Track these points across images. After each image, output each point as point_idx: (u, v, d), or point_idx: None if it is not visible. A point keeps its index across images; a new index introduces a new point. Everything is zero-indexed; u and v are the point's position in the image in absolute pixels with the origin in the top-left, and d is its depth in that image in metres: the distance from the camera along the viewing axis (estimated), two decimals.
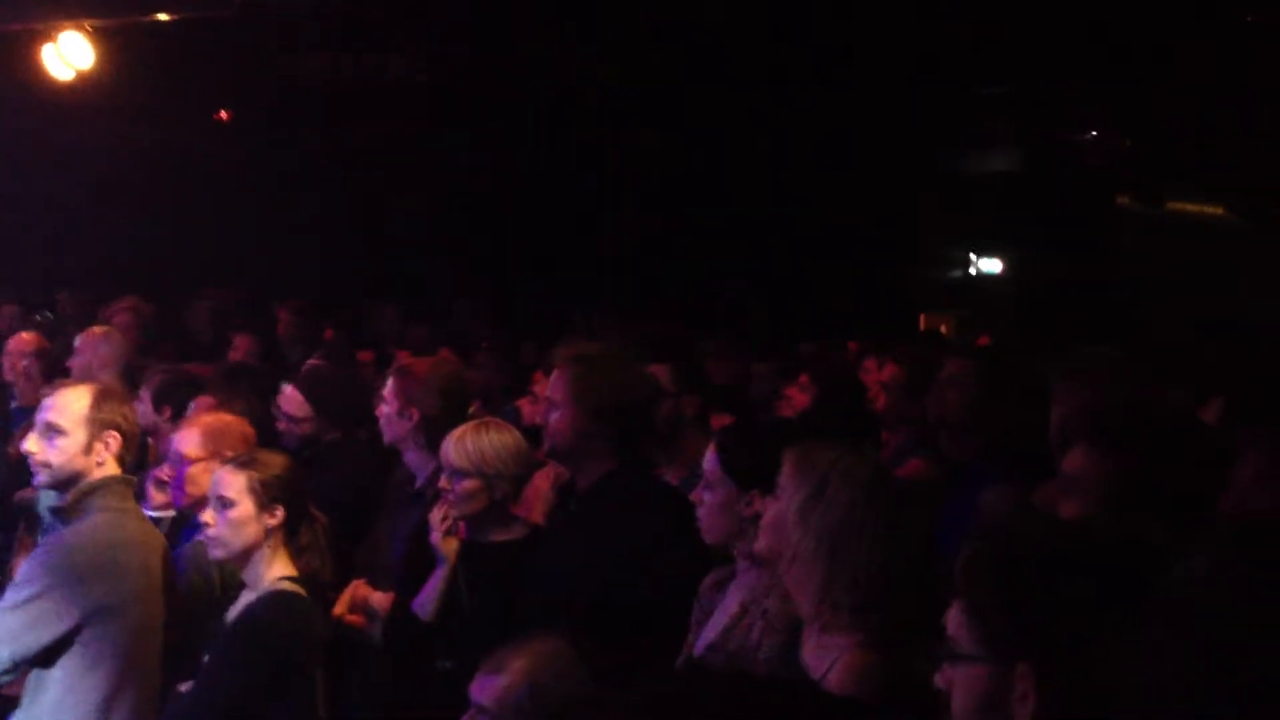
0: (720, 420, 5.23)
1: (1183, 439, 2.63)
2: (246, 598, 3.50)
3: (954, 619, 1.76)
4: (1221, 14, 8.14)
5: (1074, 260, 13.54)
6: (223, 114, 11.66)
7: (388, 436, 4.49)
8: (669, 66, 9.83)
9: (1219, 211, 13.96)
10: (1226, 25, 8.28)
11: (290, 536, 3.54)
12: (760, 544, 2.62)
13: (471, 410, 4.79)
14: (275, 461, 3.58)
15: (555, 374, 3.51)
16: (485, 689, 2.78)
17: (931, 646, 1.92)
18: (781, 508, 2.55)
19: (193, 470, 3.90)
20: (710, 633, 2.93)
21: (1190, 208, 14.23)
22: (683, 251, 12.17)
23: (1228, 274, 13.87)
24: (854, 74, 9.90)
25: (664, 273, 11.84)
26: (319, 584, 3.62)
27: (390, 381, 4.50)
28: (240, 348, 7.15)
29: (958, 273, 15.14)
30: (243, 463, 3.54)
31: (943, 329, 13.58)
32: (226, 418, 4.10)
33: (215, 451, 3.88)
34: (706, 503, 2.98)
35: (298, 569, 3.52)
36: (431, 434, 4.18)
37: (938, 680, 1.78)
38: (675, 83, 10.11)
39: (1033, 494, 2.93)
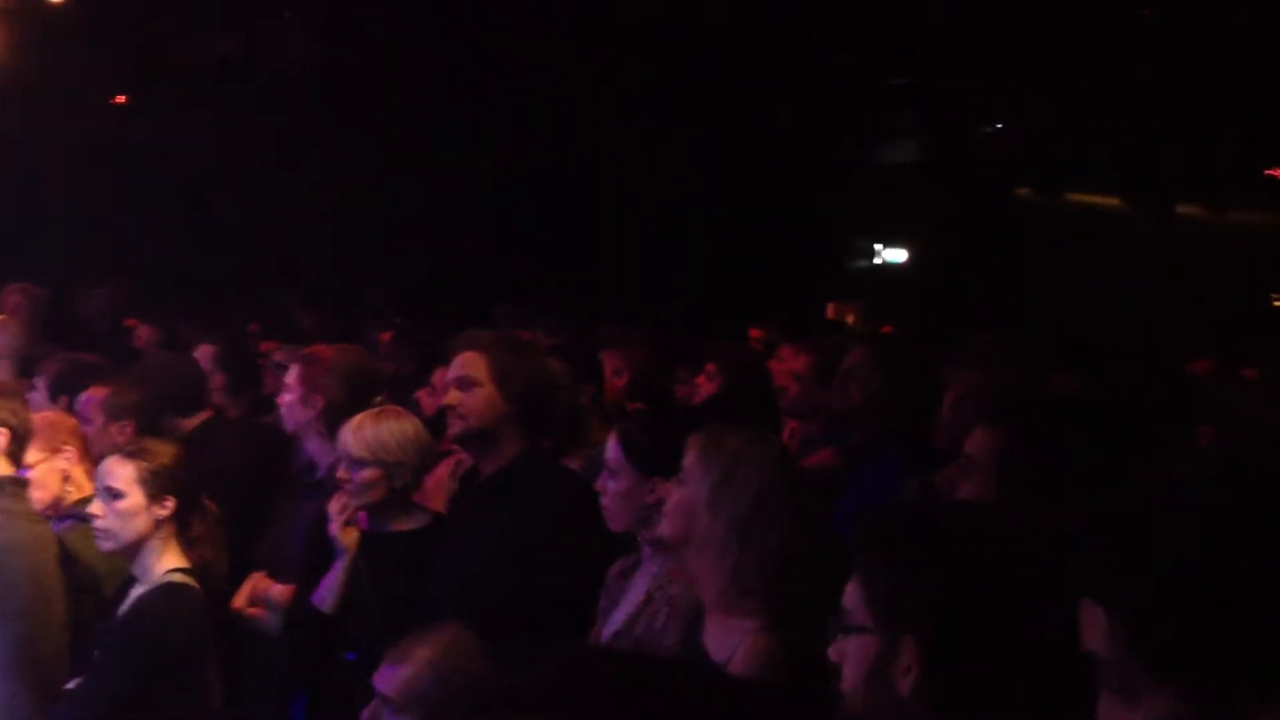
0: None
1: (1071, 421, 2.70)
2: (136, 591, 3.42)
3: (850, 592, 1.78)
4: (1117, 8, 8.35)
5: (975, 250, 13.79)
6: (120, 97, 11.39)
7: (289, 424, 4.41)
8: (579, 57, 9.83)
9: (1115, 202, 14.32)
10: (1122, 19, 8.50)
11: (181, 528, 3.46)
12: (665, 528, 2.63)
13: (378, 400, 4.73)
14: (165, 451, 3.49)
15: (472, 355, 3.47)
16: (389, 680, 2.75)
17: (832, 628, 1.95)
18: (688, 493, 2.55)
19: (35, 474, 3.79)
20: (617, 620, 2.93)
21: (1087, 198, 14.57)
22: (592, 241, 12.15)
23: (1122, 263, 14.24)
24: (762, 66, 9.97)
25: (574, 263, 11.81)
26: (212, 575, 3.55)
27: (294, 369, 4.42)
28: (142, 336, 7.00)
29: (863, 263, 15.32)
30: (131, 453, 3.45)
31: (849, 318, 13.76)
32: (50, 414, 4.01)
33: (53, 449, 3.79)
34: (610, 491, 2.98)
35: (189, 560, 3.45)
36: (334, 423, 4.09)
37: (830, 653, 1.80)
38: (587, 74, 10.11)
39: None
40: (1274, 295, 16.49)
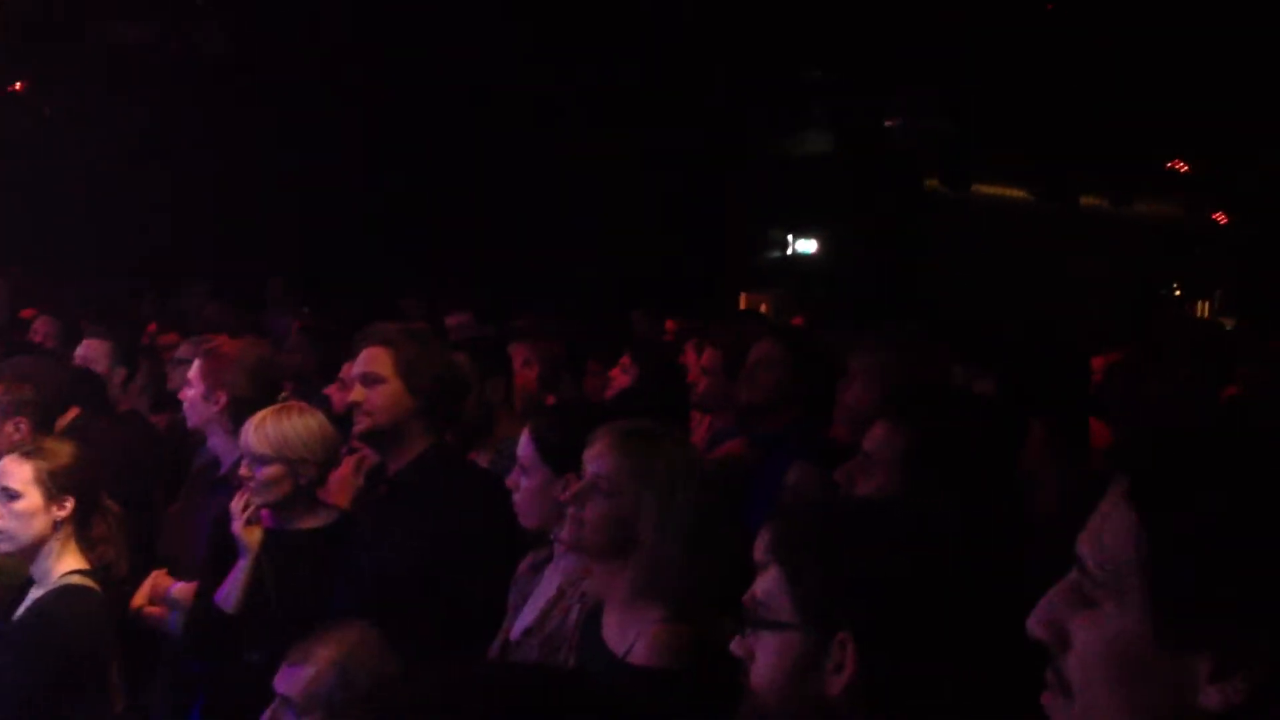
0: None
1: (974, 414, 2.73)
2: (34, 593, 3.34)
3: (767, 587, 1.73)
4: (1024, 3, 8.50)
5: (884, 241, 13.98)
6: (17, 85, 11.07)
7: (192, 420, 4.33)
8: (491, 46, 9.77)
9: (1022, 194, 14.61)
10: (1028, 15, 8.65)
11: (81, 528, 3.38)
12: (589, 539, 2.55)
13: (283, 395, 4.66)
14: (64, 450, 3.41)
15: (377, 351, 3.43)
16: (290, 681, 2.70)
17: (734, 618, 1.94)
18: (623, 506, 2.49)
19: None
20: (527, 616, 2.91)
21: (995, 190, 14.84)
22: (503, 231, 12.10)
23: (1028, 254, 14.53)
24: (677, 58, 10.00)
25: (484, 253, 11.75)
26: (113, 577, 3.48)
27: (196, 363, 4.34)
28: (39, 330, 6.80)
29: (776, 253, 15.45)
30: (28, 452, 3.36)
31: (763, 307, 13.88)
32: None
33: None
34: (523, 488, 2.96)
35: (89, 562, 3.37)
36: (239, 418, 4.03)
37: (733, 648, 1.77)
38: (501, 62, 10.04)
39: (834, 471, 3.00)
40: (1175, 285, 16.97)
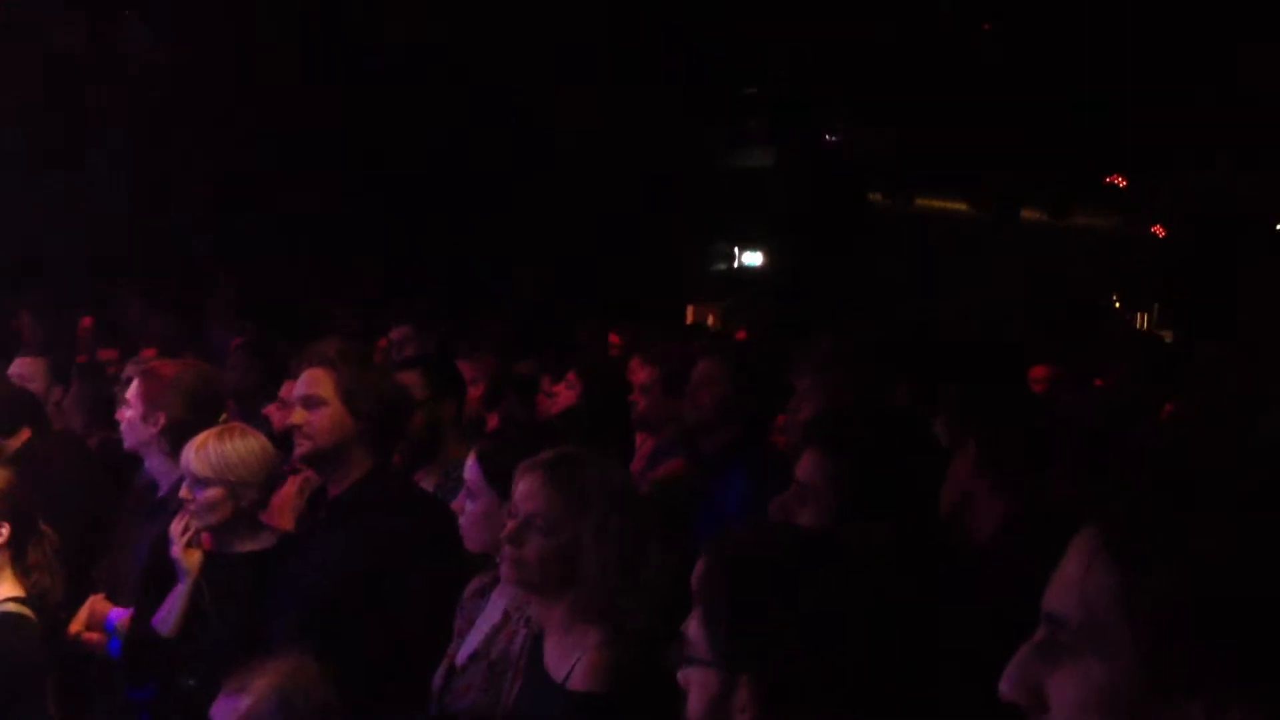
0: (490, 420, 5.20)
1: (904, 438, 2.75)
2: None
3: (693, 624, 1.77)
4: (961, 23, 8.62)
5: (829, 253, 14.08)
6: None
7: (129, 442, 4.25)
8: (433, 53, 9.73)
9: (962, 207, 14.77)
10: (965, 33, 8.78)
11: (17, 555, 3.31)
12: (532, 577, 2.53)
13: (223, 417, 4.60)
14: None
15: (318, 373, 3.40)
16: (227, 710, 2.66)
17: (678, 641, 1.95)
18: (567, 540, 2.48)
19: None
20: (473, 641, 2.89)
21: (937, 204, 15.00)
22: (451, 243, 12.03)
23: (971, 266, 14.69)
24: (626, 70, 10.04)
25: (431, 264, 11.67)
26: (49, 604, 3.41)
27: (134, 384, 4.27)
28: None
29: (723, 265, 15.52)
30: None
31: (710, 319, 13.93)
32: None
33: None
34: (469, 511, 2.94)
35: (25, 589, 3.30)
36: (177, 440, 3.97)
37: (680, 678, 1.81)
38: (442, 71, 10.01)
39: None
40: (1115, 297, 17.23)
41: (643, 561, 2.51)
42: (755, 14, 8.55)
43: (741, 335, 8.55)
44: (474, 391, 5.06)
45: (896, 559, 2.15)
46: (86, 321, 7.98)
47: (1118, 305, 17.20)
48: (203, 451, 3.45)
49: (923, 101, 10.73)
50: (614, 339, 7.92)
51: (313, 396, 3.37)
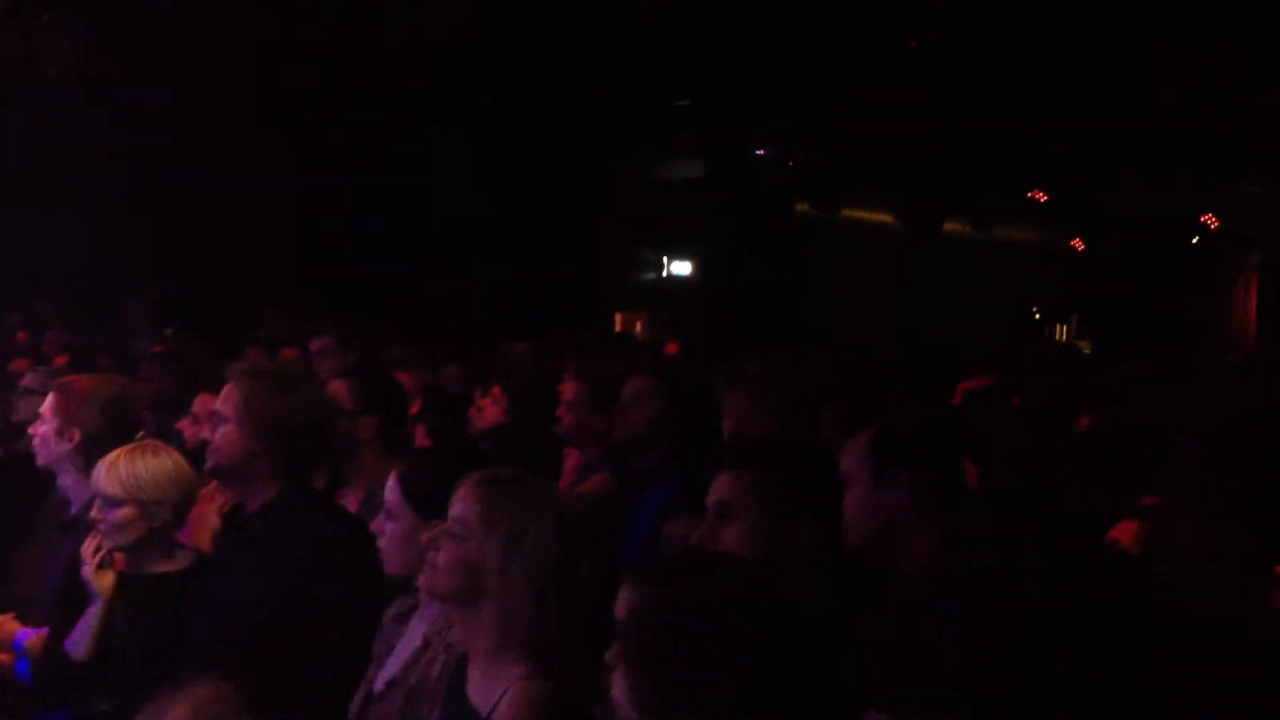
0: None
1: (816, 455, 2.76)
2: None
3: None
4: (885, 40, 8.72)
5: (757, 262, 14.16)
6: None
7: (42, 458, 4.14)
8: (359, 59, 9.62)
9: (889, 219, 14.93)
10: (890, 50, 8.89)
11: None
12: (440, 585, 2.55)
13: (140, 434, 4.49)
14: None
15: (229, 389, 3.33)
16: None
17: (604, 672, 1.92)
18: (472, 550, 2.48)
19: None
20: (391, 667, 2.85)
21: (863, 215, 15.15)
22: (378, 250, 11.89)
23: (897, 276, 14.86)
24: (556, 83, 10.02)
25: (357, 272, 11.53)
26: None
27: (50, 398, 4.16)
28: None
29: (651, 274, 15.54)
30: None
31: (638, 327, 13.95)
32: None
33: None
34: (389, 533, 2.91)
35: None
36: (92, 456, 3.87)
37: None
38: (371, 78, 9.91)
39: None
40: (1035, 309, 17.52)
41: (566, 581, 2.49)
42: (684, 27, 8.59)
43: (672, 348, 8.53)
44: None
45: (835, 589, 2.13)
46: (22, 336, 7.76)
47: (1038, 316, 17.49)
48: (114, 470, 3.37)
49: (849, 116, 10.85)
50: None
51: (219, 413, 3.32)
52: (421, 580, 2.62)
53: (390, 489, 2.92)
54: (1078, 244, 16.32)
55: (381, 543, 2.92)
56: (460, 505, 2.53)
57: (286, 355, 6.69)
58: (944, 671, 1.32)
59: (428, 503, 2.82)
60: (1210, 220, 14.69)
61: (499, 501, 2.50)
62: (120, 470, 3.36)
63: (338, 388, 4.02)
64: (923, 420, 3.14)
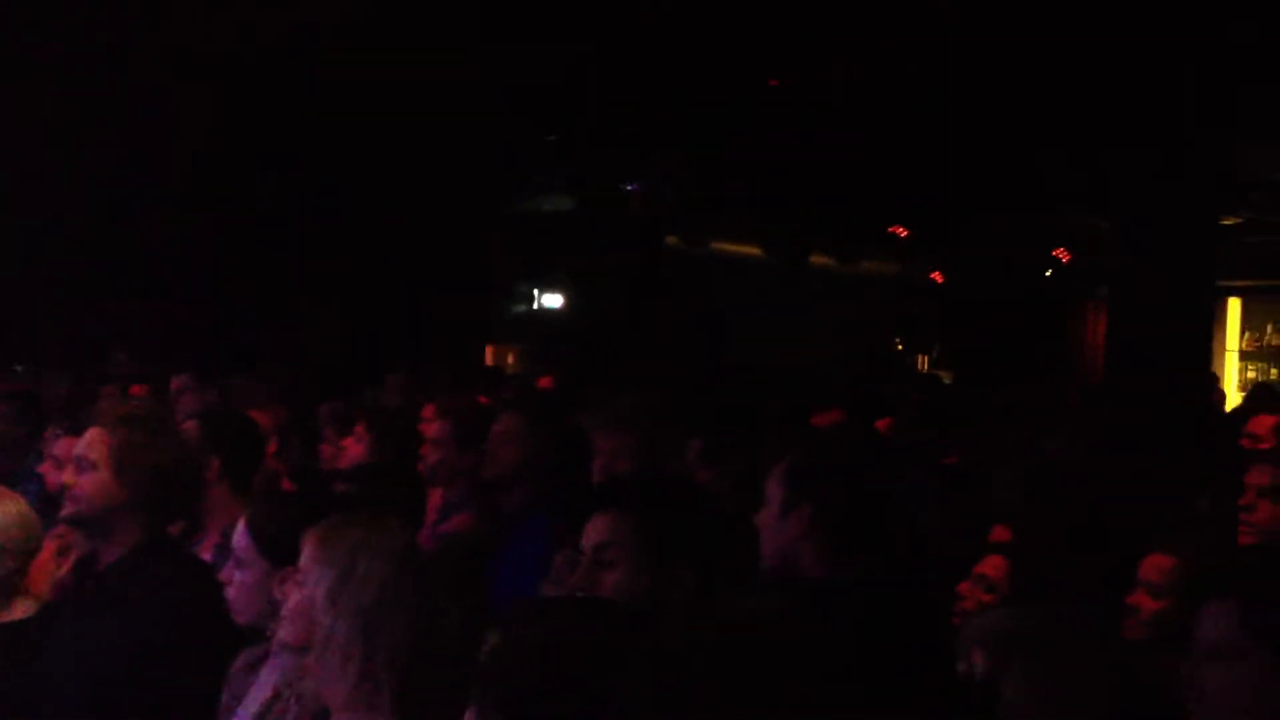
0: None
1: (691, 494, 2.77)
2: None
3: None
4: (748, 78, 8.90)
5: (627, 295, 14.23)
6: None
7: None
8: (228, 82, 9.44)
9: (756, 252, 15.15)
10: (753, 88, 9.07)
11: None
12: (285, 633, 2.49)
13: None
14: None
15: (95, 434, 3.24)
16: None
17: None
18: (307, 594, 2.43)
19: None
20: (242, 718, 2.77)
21: (732, 247, 15.34)
22: (246, 282, 11.58)
23: (767, 308, 15.08)
24: (425, 114, 9.97)
25: (211, 307, 11.21)
26: None
27: None
28: None
29: (522, 307, 15.48)
30: None
31: (509, 359, 13.88)
32: None
33: None
34: (237, 581, 2.82)
35: None
36: None
37: None
38: (251, 109, 9.72)
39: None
40: (898, 339, 17.93)
41: (432, 630, 2.44)
42: (555, 63, 8.66)
43: (545, 382, 8.49)
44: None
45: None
46: None
47: (901, 347, 17.90)
48: None
49: (717, 152, 11.02)
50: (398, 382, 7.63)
51: (85, 459, 3.22)
52: (278, 633, 2.54)
53: (239, 535, 2.84)
54: (937, 277, 16.77)
55: (229, 591, 2.83)
56: (304, 551, 2.48)
57: (135, 393, 6.46)
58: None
59: (278, 549, 2.74)
60: (1062, 254, 15.24)
61: (333, 542, 2.45)
62: None
63: (189, 428, 3.91)
64: (832, 452, 3.18)
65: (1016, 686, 1.81)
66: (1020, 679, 1.81)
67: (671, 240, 14.57)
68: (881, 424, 6.92)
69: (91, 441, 3.23)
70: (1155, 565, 3.11)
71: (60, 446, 4.39)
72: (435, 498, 4.53)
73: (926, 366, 17.17)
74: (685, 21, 8.21)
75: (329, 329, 11.67)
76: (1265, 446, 4.55)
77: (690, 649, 1.56)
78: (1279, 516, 3.49)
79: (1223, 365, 15.12)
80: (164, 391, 6.52)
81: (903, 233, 14.64)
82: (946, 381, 14.98)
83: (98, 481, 3.16)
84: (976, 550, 3.64)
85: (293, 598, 2.48)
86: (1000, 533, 3.75)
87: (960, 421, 6.59)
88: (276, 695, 2.70)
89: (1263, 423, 4.81)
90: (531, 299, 15.43)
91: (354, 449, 4.95)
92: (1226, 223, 12.40)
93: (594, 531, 2.53)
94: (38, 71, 9.19)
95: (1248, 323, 15.42)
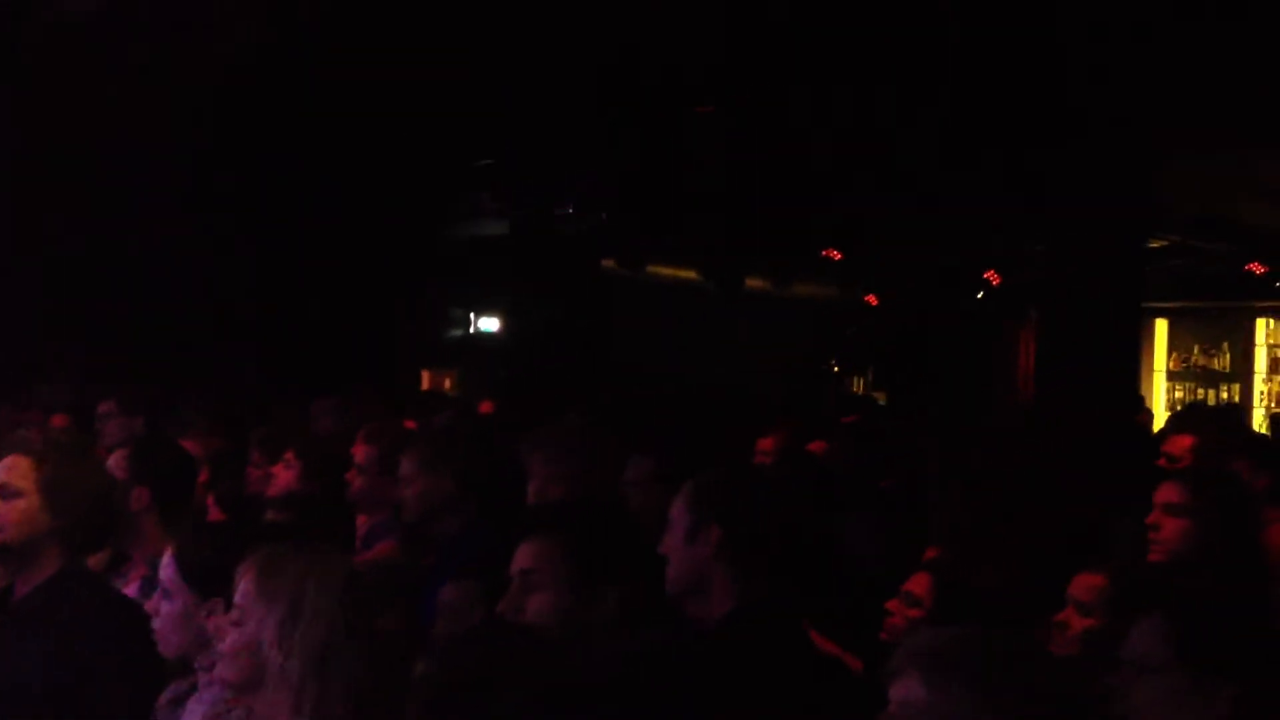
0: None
1: (618, 517, 2.77)
2: None
3: None
4: (661, 106, 8.97)
5: (563, 319, 14.24)
6: None
7: None
8: (159, 112, 9.34)
9: (693, 275, 15.23)
10: (676, 116, 9.15)
11: None
12: (228, 674, 2.42)
13: None
14: None
15: (19, 461, 3.18)
16: None
17: None
18: (250, 633, 2.38)
19: None
20: None
21: (667, 271, 15.41)
22: (159, 307, 11.37)
23: (703, 332, 15.15)
24: (358, 141, 9.95)
25: (140, 332, 11.01)
26: None
27: None
28: None
29: (458, 331, 15.43)
30: None
31: (446, 384, 13.81)
32: None
33: None
34: (164, 613, 2.77)
35: None
36: None
37: None
38: (169, 128, 9.61)
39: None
40: (833, 361, 18.09)
41: (382, 657, 2.40)
42: (488, 87, 8.66)
43: (486, 407, 8.44)
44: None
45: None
46: None
47: (836, 369, 18.05)
48: None
49: (650, 177, 11.08)
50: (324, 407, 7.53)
51: (8, 486, 3.15)
52: (215, 672, 2.48)
53: (165, 566, 2.79)
54: (872, 299, 16.95)
55: (156, 624, 2.78)
56: (239, 588, 2.43)
57: (56, 423, 6.33)
58: None
59: (206, 579, 2.70)
60: (992, 277, 15.46)
61: (274, 576, 2.41)
62: None
63: (115, 458, 3.84)
64: (739, 475, 3.16)
65: (957, 708, 1.82)
66: (959, 700, 1.83)
67: (607, 264, 14.61)
68: (815, 447, 6.93)
69: (15, 467, 3.17)
70: (1084, 584, 3.15)
71: None
72: (361, 525, 4.48)
73: (862, 388, 17.33)
74: (617, 47, 8.27)
75: (261, 355, 11.51)
76: (1182, 466, 4.61)
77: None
78: (1183, 534, 3.55)
79: (1150, 385, 15.42)
80: (88, 419, 6.39)
81: (837, 256, 14.79)
82: (881, 403, 15.15)
83: (23, 509, 3.09)
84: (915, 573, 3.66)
85: (231, 635, 2.42)
86: (933, 552, 3.79)
87: (896, 445, 6.64)
88: None
89: (1179, 443, 4.89)
90: (468, 323, 15.38)
91: (283, 476, 4.87)
92: (1154, 245, 12.67)
93: (521, 556, 2.54)
94: None
95: (1174, 343, 15.75)
